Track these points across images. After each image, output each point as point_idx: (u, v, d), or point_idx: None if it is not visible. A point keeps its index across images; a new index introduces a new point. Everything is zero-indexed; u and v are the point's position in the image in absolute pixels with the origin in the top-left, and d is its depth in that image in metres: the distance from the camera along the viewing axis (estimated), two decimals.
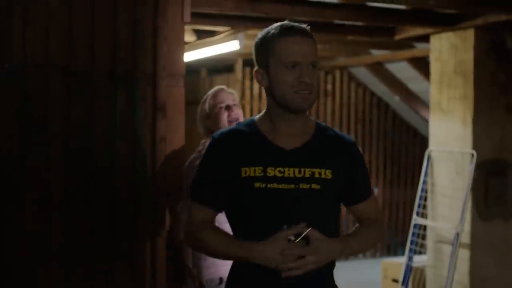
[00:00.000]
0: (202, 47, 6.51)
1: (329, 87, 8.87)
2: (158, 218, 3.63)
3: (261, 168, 2.34)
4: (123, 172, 3.61)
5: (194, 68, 9.43)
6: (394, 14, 5.31)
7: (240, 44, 5.78)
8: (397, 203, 9.38)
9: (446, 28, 5.58)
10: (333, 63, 8.76)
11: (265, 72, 2.36)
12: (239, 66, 8.41)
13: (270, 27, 2.38)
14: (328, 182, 2.38)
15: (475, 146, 5.54)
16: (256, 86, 8.49)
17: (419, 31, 5.84)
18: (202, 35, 6.35)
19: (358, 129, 9.16)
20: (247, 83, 8.41)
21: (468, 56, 5.56)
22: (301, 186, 2.34)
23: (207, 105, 3.68)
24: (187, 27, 5.91)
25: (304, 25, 2.40)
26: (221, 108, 3.60)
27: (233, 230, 2.44)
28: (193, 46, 6.66)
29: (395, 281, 6.37)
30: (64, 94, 3.53)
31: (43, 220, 3.46)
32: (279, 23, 2.38)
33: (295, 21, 2.41)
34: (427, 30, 5.77)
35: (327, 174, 2.38)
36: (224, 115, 3.59)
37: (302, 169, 2.35)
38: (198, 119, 3.74)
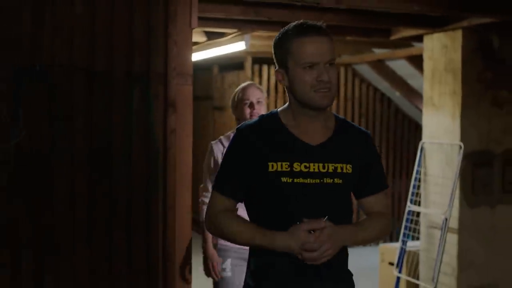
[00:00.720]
0: (213, 47, 6.92)
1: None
2: (169, 199, 4.02)
3: (288, 163, 2.38)
4: (139, 160, 4.00)
5: (206, 66, 9.72)
6: (389, 16, 5.61)
7: (246, 44, 6.20)
8: (399, 193, 9.70)
9: (437, 29, 5.92)
10: (337, 61, 9.03)
11: (285, 72, 2.42)
12: (248, 64, 8.67)
13: (286, 28, 2.43)
14: (349, 177, 2.45)
15: (463, 138, 5.83)
16: (264, 82, 8.77)
17: (412, 32, 6.21)
18: (212, 36, 6.73)
19: (362, 122, 9.46)
20: (256, 80, 8.67)
21: (457, 55, 5.87)
22: (325, 180, 2.40)
23: (236, 98, 4.12)
24: (199, 29, 6.31)
25: (319, 23, 2.41)
26: (245, 103, 4.03)
27: (252, 219, 2.50)
28: (204, 46, 7.05)
29: (391, 264, 6.71)
30: (87, 92, 3.91)
31: (69, 203, 3.86)
32: (295, 23, 2.42)
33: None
34: (420, 31, 6.14)
35: (348, 168, 2.44)
36: (247, 111, 4.02)
37: (326, 164, 2.41)
38: (230, 106, 4.23)
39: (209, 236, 3.99)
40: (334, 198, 2.44)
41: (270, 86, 8.70)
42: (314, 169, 2.39)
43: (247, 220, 2.48)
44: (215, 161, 4.01)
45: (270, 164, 2.39)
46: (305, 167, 2.39)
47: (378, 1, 4.86)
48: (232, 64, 9.47)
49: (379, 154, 2.69)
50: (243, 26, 5.90)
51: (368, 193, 2.57)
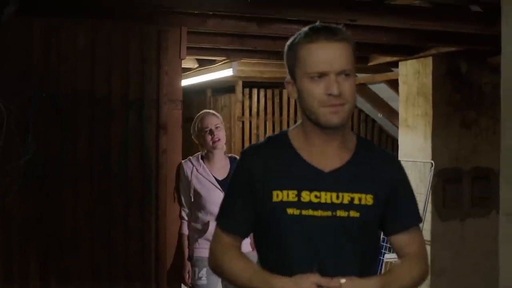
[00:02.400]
0: (204, 73, 7.36)
1: None
2: (161, 210, 4.43)
3: (295, 192, 2.01)
4: (134, 176, 4.39)
5: (200, 89, 10.09)
6: (365, 45, 5.88)
7: (233, 71, 6.63)
8: None
9: (409, 56, 6.31)
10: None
11: (294, 82, 2.06)
12: (239, 87, 9.02)
13: (299, 31, 2.05)
14: (368, 209, 2.03)
15: (435, 156, 6.17)
16: (254, 104, 9.18)
17: (387, 59, 6.66)
18: (203, 63, 7.19)
19: None
20: (246, 102, 9.09)
21: (428, 80, 6.26)
22: (338, 213, 2.00)
23: (196, 127, 4.52)
24: (191, 57, 6.75)
25: (336, 25, 2.04)
26: (206, 131, 4.44)
27: (259, 256, 2.18)
28: (197, 72, 7.53)
29: None
30: (88, 115, 4.29)
31: (72, 212, 4.28)
32: (307, 26, 2.04)
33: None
34: (394, 58, 6.58)
35: (368, 199, 2.03)
36: (208, 137, 4.43)
37: (340, 194, 2.01)
38: (192, 134, 4.57)
39: (186, 249, 4.47)
40: (349, 235, 2.02)
41: (259, 108, 9.09)
42: (326, 199, 2.00)
43: (248, 260, 2.12)
44: (186, 177, 4.45)
45: (275, 193, 2.03)
46: (316, 196, 2.01)
47: (352, 33, 5.27)
48: (224, 87, 9.79)
49: (409, 183, 2.16)
50: (231, 54, 6.26)
51: (398, 229, 2.13)
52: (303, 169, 2.06)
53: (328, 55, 1.97)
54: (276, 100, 9.13)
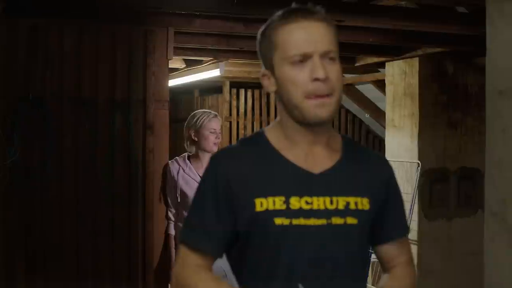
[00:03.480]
0: (192, 73, 7.37)
1: None
2: (148, 209, 4.43)
3: (283, 198, 1.71)
4: (121, 176, 4.39)
5: (188, 89, 10.13)
6: (352, 46, 5.88)
7: (221, 71, 6.65)
8: None
9: (396, 57, 6.33)
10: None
11: (271, 73, 1.78)
12: (226, 88, 9.05)
13: (272, 16, 1.80)
14: (366, 215, 1.78)
15: (421, 156, 6.19)
16: (242, 105, 9.22)
17: (374, 59, 6.68)
18: (191, 63, 7.21)
19: None
20: (234, 102, 9.11)
21: (415, 81, 6.28)
22: (333, 221, 1.73)
23: (200, 123, 4.44)
24: (179, 57, 6.78)
25: (314, 6, 1.78)
26: (211, 132, 4.43)
27: (238, 279, 1.81)
28: (184, 72, 7.55)
29: None
30: (74, 116, 4.27)
31: (58, 212, 4.26)
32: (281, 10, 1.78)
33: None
34: (381, 59, 6.60)
35: (365, 204, 1.78)
36: (212, 137, 4.43)
37: (335, 198, 1.74)
38: (187, 125, 4.50)
39: (173, 249, 4.49)
40: (346, 246, 1.77)
41: (247, 108, 9.11)
42: (319, 205, 1.73)
43: (225, 283, 1.77)
44: (172, 178, 4.46)
45: (258, 201, 1.71)
46: (307, 203, 1.72)
47: (339, 33, 5.29)
48: (211, 88, 9.83)
49: (399, 189, 1.93)
50: (218, 54, 6.28)
51: (387, 239, 1.90)
52: (289, 172, 1.75)
53: (309, 34, 1.71)
54: (264, 100, 9.14)
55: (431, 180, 6.36)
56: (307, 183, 1.75)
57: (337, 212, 1.73)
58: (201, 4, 4.22)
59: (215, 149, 4.46)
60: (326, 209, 1.73)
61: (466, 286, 6.39)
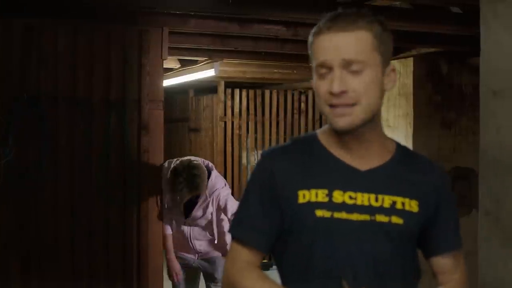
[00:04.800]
0: (187, 73, 7.36)
1: (303, 105, 9.43)
2: (142, 210, 4.45)
3: (326, 191, 1.70)
4: (116, 176, 4.40)
5: (183, 89, 10.07)
6: None
7: (216, 71, 6.64)
8: None
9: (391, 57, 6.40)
10: (305, 84, 9.23)
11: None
12: (221, 87, 8.98)
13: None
14: (413, 217, 1.73)
15: None
16: (236, 104, 9.13)
17: None
18: (186, 63, 7.21)
19: None
20: (229, 102, 9.05)
21: (409, 81, 6.28)
22: (377, 218, 1.70)
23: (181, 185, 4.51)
24: (173, 57, 6.76)
25: (353, 11, 1.75)
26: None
27: (281, 273, 1.82)
28: (179, 72, 7.54)
29: None
30: (69, 116, 4.27)
31: (53, 212, 4.27)
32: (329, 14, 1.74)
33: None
34: None
35: (412, 205, 1.73)
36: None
37: (380, 196, 1.71)
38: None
39: (171, 248, 4.52)
40: (389, 245, 1.72)
41: (242, 108, 9.08)
42: (362, 201, 1.70)
43: (273, 281, 1.75)
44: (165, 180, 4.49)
45: (301, 193, 1.71)
46: (351, 197, 1.70)
47: None
48: (206, 88, 9.77)
49: (454, 200, 1.85)
50: (213, 54, 6.29)
51: (442, 250, 1.82)
52: (334, 167, 1.74)
53: (332, 43, 1.66)
54: (259, 100, 9.11)
55: None
56: (352, 178, 1.73)
57: (381, 210, 1.70)
58: (196, 4, 4.22)
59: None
60: (370, 206, 1.70)
61: None
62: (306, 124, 9.66)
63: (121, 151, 4.42)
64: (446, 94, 6.43)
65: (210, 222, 4.65)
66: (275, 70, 8.15)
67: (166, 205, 4.53)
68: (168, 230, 4.58)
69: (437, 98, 6.41)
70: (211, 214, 4.62)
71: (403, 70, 6.41)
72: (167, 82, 7.87)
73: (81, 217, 4.35)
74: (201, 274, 4.99)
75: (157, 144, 4.53)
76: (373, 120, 1.73)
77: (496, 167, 2.04)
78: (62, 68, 4.28)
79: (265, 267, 9.00)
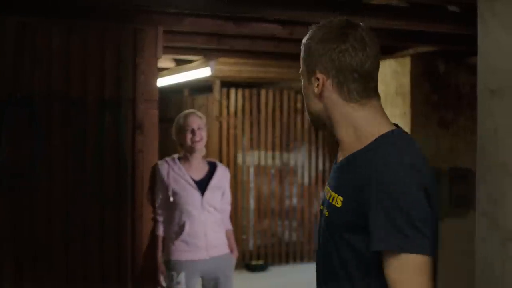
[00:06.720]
0: (182, 72, 7.38)
1: (299, 105, 9.40)
2: (137, 210, 4.43)
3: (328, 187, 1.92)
4: (110, 176, 4.38)
5: (178, 89, 10.05)
6: None
7: (211, 70, 6.65)
8: None
9: (388, 56, 6.35)
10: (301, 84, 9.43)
11: None
12: (217, 87, 9.00)
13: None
14: (335, 211, 1.81)
15: None
16: (232, 104, 9.15)
17: None
18: (181, 63, 7.20)
19: (325, 138, 9.68)
20: (224, 101, 9.07)
21: (406, 80, 6.29)
22: (324, 211, 1.89)
23: (177, 125, 4.40)
24: (168, 56, 6.77)
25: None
26: (187, 131, 4.33)
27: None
28: (174, 71, 7.53)
29: None
30: (63, 116, 4.26)
31: (47, 214, 4.25)
32: None
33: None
34: None
35: (337, 201, 1.79)
36: (188, 137, 4.31)
37: (330, 191, 1.87)
38: (173, 133, 4.45)
39: (159, 250, 4.41)
40: (325, 237, 1.87)
41: (237, 108, 9.07)
42: (326, 196, 1.89)
43: None
44: (161, 178, 4.34)
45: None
46: (327, 192, 1.89)
47: None
48: (201, 87, 9.76)
49: (385, 202, 1.68)
50: (208, 53, 6.30)
51: (370, 247, 1.72)
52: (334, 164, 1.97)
53: None
54: (255, 99, 9.11)
55: None
56: (332, 174, 1.93)
57: (326, 204, 1.87)
58: (191, 3, 4.19)
59: (197, 147, 4.36)
60: (328, 200, 1.86)
61: (458, 285, 6.38)
62: (303, 123, 9.66)
63: (115, 150, 4.40)
64: (443, 94, 6.43)
65: (223, 193, 4.50)
66: (271, 70, 8.14)
67: (160, 205, 4.43)
68: (159, 231, 4.45)
69: (434, 97, 6.41)
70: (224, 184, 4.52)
71: (400, 70, 6.40)
72: (162, 82, 7.84)
73: (75, 217, 4.33)
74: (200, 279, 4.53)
75: (152, 143, 4.51)
76: (334, 119, 1.89)
77: (494, 167, 2.01)
78: (56, 67, 4.27)
79: (262, 268, 8.98)
